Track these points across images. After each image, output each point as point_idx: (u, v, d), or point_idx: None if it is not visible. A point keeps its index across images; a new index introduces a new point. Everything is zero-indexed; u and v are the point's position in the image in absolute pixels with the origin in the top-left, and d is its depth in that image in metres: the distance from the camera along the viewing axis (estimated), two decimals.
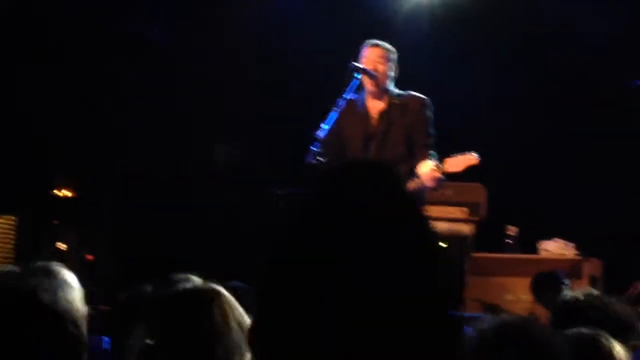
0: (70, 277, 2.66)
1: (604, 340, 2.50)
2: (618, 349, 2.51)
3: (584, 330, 2.58)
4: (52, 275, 2.53)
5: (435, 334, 1.37)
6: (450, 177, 6.53)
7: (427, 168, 6.33)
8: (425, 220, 1.44)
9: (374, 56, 6.62)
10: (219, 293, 2.58)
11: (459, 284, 8.16)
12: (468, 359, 2.21)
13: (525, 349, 2.24)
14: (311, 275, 1.35)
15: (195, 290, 2.61)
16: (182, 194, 9.37)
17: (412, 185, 6.40)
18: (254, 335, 1.41)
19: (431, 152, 6.55)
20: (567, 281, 6.48)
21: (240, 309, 2.55)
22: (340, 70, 6.61)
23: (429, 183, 6.33)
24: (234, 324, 2.48)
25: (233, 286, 3.50)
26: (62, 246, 8.78)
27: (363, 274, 1.34)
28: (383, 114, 6.68)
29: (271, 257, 1.41)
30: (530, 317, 2.66)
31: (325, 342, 1.33)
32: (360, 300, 1.33)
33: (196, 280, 2.93)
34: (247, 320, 2.51)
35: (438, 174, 6.29)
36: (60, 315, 1.90)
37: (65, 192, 9.22)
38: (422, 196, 6.63)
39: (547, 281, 6.44)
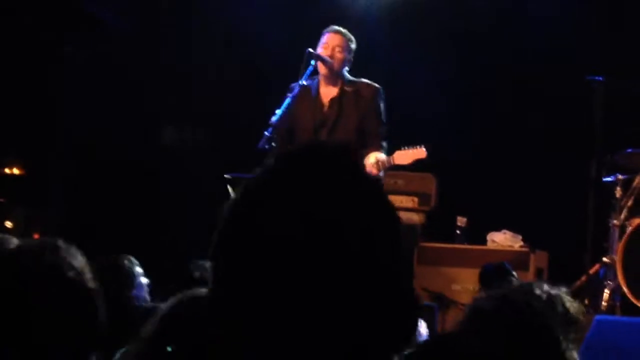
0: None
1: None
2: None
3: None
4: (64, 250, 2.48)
5: (392, 313, 1.37)
6: (399, 167, 6.58)
7: (368, 162, 6.40)
8: (388, 200, 1.43)
9: (334, 43, 6.63)
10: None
11: (407, 272, 8.20)
12: (464, 330, 2.22)
13: (521, 319, 2.25)
14: (262, 258, 1.33)
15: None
16: (131, 175, 9.31)
17: None
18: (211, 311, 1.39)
19: (383, 143, 6.58)
20: (514, 273, 6.53)
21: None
22: (298, 56, 6.61)
23: (374, 170, 6.40)
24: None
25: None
26: (8, 224, 8.70)
27: (319, 257, 1.32)
28: (334, 100, 6.69)
29: (221, 237, 1.39)
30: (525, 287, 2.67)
31: (275, 329, 1.32)
32: (314, 282, 1.32)
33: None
34: None
35: (375, 171, 6.36)
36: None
37: (13, 170, 9.12)
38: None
39: (495, 273, 6.49)
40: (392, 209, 1.42)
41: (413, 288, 1.45)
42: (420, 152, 6.42)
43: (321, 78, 6.73)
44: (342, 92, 6.69)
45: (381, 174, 6.44)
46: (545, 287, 2.77)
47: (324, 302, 1.31)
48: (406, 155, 6.42)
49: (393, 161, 6.39)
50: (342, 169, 1.40)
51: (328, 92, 6.73)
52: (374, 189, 1.42)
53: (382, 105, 6.72)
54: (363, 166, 1.44)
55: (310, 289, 1.31)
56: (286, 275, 1.31)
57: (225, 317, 1.34)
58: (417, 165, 6.88)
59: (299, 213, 1.33)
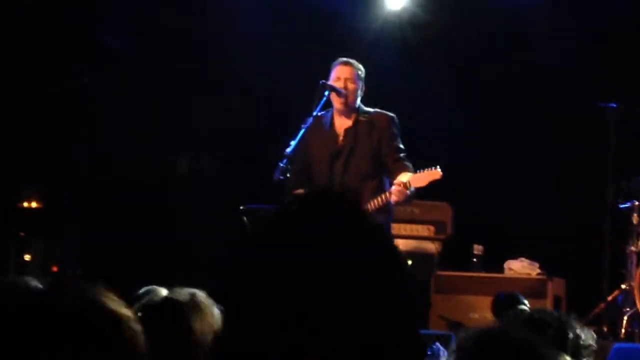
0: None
1: None
2: None
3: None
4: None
5: (398, 355, 1.39)
6: (417, 193, 6.58)
7: (394, 185, 6.39)
8: (389, 245, 1.46)
9: (345, 74, 6.66)
10: (197, 300, 2.58)
11: (424, 302, 8.20)
12: None
13: (506, 356, 2.25)
14: (271, 295, 1.37)
15: (173, 299, 2.61)
16: (148, 207, 9.35)
17: (378, 200, 6.44)
18: (217, 348, 1.43)
19: (407, 163, 6.56)
20: (526, 302, 6.52)
21: (217, 316, 2.55)
22: (310, 88, 6.65)
23: (395, 199, 6.39)
24: (213, 330, 2.49)
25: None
26: (27, 257, 8.74)
27: (323, 296, 1.36)
28: (349, 131, 6.71)
29: (233, 272, 1.43)
30: (511, 325, 2.68)
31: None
32: (320, 319, 1.35)
33: (162, 291, 2.93)
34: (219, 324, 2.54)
35: (404, 190, 6.34)
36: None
37: (31, 204, 9.18)
38: (390, 211, 6.68)
39: (506, 302, 6.48)
40: (397, 254, 1.46)
41: (418, 330, 1.48)
42: (435, 174, 6.41)
43: (335, 110, 6.76)
44: (356, 123, 6.72)
45: (409, 192, 6.40)
46: (556, 314, 2.79)
47: (328, 346, 1.34)
48: (422, 178, 6.41)
49: (410, 185, 6.38)
50: (348, 215, 1.43)
51: (342, 123, 6.76)
52: (378, 235, 1.45)
53: (397, 132, 6.73)
54: (368, 213, 1.49)
55: (315, 331, 1.35)
56: (291, 316, 1.35)
57: (236, 353, 1.39)
58: (433, 193, 6.89)
59: (305, 259, 1.37)
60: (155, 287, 3.21)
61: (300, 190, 6.15)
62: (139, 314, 2.68)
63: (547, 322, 2.73)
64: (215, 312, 2.58)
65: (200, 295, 2.67)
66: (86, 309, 1.66)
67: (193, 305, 2.59)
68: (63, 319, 1.63)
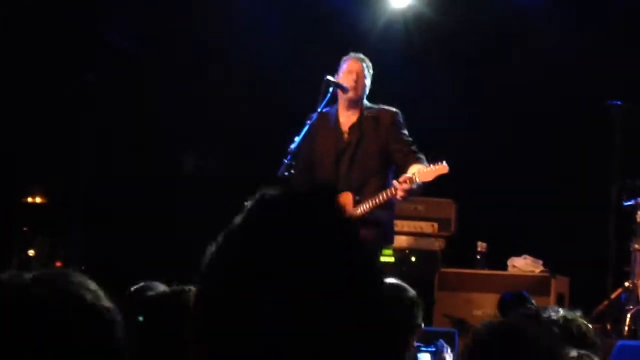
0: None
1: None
2: None
3: (574, 352, 2.59)
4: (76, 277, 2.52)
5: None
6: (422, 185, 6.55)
7: (397, 181, 6.37)
8: (363, 252, 1.42)
9: (357, 68, 6.66)
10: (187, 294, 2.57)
11: (427, 299, 8.20)
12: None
13: (520, 350, 2.25)
14: (245, 298, 1.35)
15: (175, 293, 2.60)
16: (153, 203, 9.36)
17: (382, 196, 6.43)
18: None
19: (420, 156, 6.53)
20: (533, 302, 6.52)
21: None
22: (315, 85, 6.65)
23: (400, 194, 6.36)
24: None
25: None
26: (31, 253, 8.75)
27: (293, 304, 1.33)
28: (354, 127, 6.71)
29: (207, 275, 1.43)
30: (524, 320, 2.68)
31: None
32: (292, 323, 1.33)
33: (160, 287, 2.93)
34: None
35: (407, 185, 6.31)
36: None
37: (36, 199, 9.19)
38: (393, 206, 6.67)
39: (513, 301, 6.47)
40: (367, 255, 1.43)
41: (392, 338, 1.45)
42: (442, 169, 6.39)
43: (340, 105, 6.76)
44: (361, 119, 6.72)
45: (414, 185, 6.37)
46: (562, 311, 2.80)
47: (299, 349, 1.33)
48: (428, 173, 6.38)
49: (415, 179, 6.35)
50: (318, 215, 1.41)
51: (348, 119, 6.75)
52: (349, 235, 1.42)
53: (402, 126, 6.72)
54: (342, 212, 1.45)
55: (284, 335, 1.33)
56: (256, 321, 1.34)
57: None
58: (437, 190, 6.88)
59: (273, 259, 1.35)
60: (151, 282, 3.20)
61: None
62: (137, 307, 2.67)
63: (553, 319, 2.73)
64: None
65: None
66: (64, 302, 1.68)
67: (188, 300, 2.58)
68: (42, 312, 1.65)
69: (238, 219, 1.43)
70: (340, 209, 1.42)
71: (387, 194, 6.43)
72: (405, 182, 6.31)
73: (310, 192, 1.43)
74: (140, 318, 2.52)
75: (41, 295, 1.70)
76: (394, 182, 6.39)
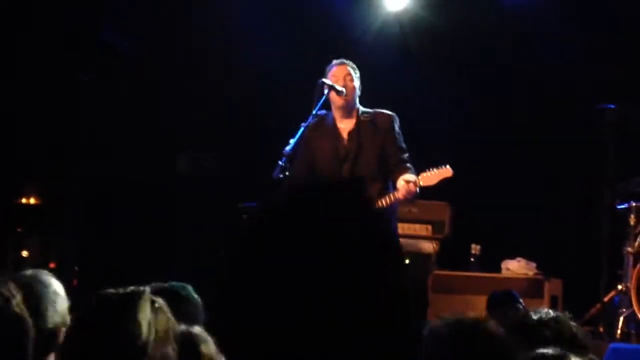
0: (59, 287, 2.68)
1: None
2: None
3: (551, 350, 2.60)
4: (42, 285, 2.54)
5: (392, 346, 1.39)
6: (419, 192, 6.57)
7: (402, 182, 6.39)
8: (389, 239, 1.45)
9: (343, 73, 6.67)
10: (140, 296, 2.53)
11: (421, 301, 8.21)
12: (422, 357, 2.24)
13: (479, 346, 2.26)
14: (269, 284, 1.37)
15: (116, 296, 2.55)
16: (147, 203, 9.36)
17: (386, 200, 6.45)
18: (220, 334, 1.43)
19: (409, 165, 6.57)
20: (521, 301, 6.54)
21: (167, 315, 2.49)
22: (310, 88, 6.66)
23: (403, 196, 6.38)
24: (157, 329, 2.43)
25: (166, 288, 3.47)
26: (25, 253, 8.74)
27: (322, 285, 1.36)
28: (352, 134, 6.71)
29: (232, 260, 1.43)
30: (483, 317, 2.69)
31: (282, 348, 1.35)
32: (315, 313, 1.35)
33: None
34: (173, 325, 2.45)
35: (413, 189, 6.35)
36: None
37: (30, 200, 9.19)
38: (395, 210, 6.69)
39: (501, 300, 6.49)
40: (396, 245, 1.46)
41: (416, 322, 1.47)
42: (446, 172, 6.41)
43: (335, 111, 6.75)
44: (358, 124, 6.72)
45: (415, 192, 6.41)
46: (552, 313, 2.81)
47: (324, 333, 1.34)
48: (432, 177, 6.41)
49: (419, 183, 6.38)
50: (349, 205, 1.43)
51: (345, 125, 6.75)
52: (378, 226, 1.45)
53: (399, 131, 6.74)
54: (372, 203, 1.48)
55: (311, 319, 1.35)
56: (287, 304, 1.35)
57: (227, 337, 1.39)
58: (431, 192, 6.89)
59: (303, 247, 1.37)
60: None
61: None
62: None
63: (544, 320, 2.75)
64: (164, 311, 2.51)
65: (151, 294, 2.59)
66: None
67: (136, 302, 2.53)
68: None
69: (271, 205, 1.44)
70: (370, 200, 1.45)
71: (391, 198, 6.45)
72: (408, 183, 6.34)
73: (342, 182, 1.46)
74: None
75: None
76: (401, 180, 6.40)
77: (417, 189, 6.38)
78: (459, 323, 2.29)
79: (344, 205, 1.43)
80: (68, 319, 2.73)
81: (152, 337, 2.38)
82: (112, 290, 2.55)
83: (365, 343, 1.37)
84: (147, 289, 2.52)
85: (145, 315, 2.42)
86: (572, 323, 2.83)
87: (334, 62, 6.76)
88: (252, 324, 1.37)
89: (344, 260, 1.37)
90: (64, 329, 2.58)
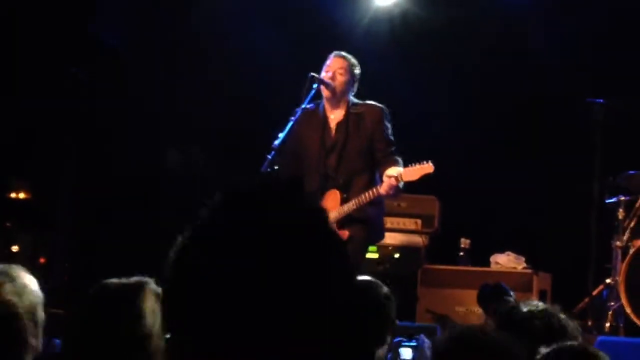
0: (30, 281, 2.68)
1: (600, 354, 2.49)
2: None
3: (573, 343, 2.60)
4: (11, 279, 2.54)
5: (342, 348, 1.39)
6: (405, 187, 6.60)
7: (385, 177, 6.41)
8: (333, 241, 1.43)
9: (336, 66, 6.69)
10: (144, 286, 2.52)
11: (410, 295, 8.24)
12: None
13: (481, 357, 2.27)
14: (207, 287, 1.37)
15: (121, 285, 2.57)
16: (137, 198, 9.36)
17: (369, 194, 6.47)
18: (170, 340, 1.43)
19: (397, 158, 6.58)
20: (512, 293, 6.56)
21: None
22: (299, 82, 6.67)
23: (385, 191, 6.40)
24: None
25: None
26: (15, 249, 8.73)
27: (261, 285, 1.35)
28: (340, 125, 6.73)
29: (174, 262, 1.43)
30: (485, 326, 2.70)
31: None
32: (259, 315, 1.35)
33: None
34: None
35: (394, 183, 6.36)
36: (12, 317, 1.86)
37: (19, 195, 9.17)
38: (381, 203, 6.71)
39: (492, 293, 6.52)
40: (337, 239, 1.45)
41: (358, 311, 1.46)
42: (427, 168, 6.44)
43: (325, 102, 6.78)
44: (347, 116, 6.74)
45: (400, 184, 6.43)
46: (542, 305, 2.83)
47: (268, 335, 1.34)
48: (414, 172, 6.44)
49: (401, 178, 6.40)
50: (285, 202, 1.43)
51: (334, 117, 6.77)
52: (318, 222, 1.44)
53: (388, 124, 6.75)
54: (312, 200, 1.47)
55: (252, 320, 1.34)
56: (224, 305, 1.35)
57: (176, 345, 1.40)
58: (420, 187, 6.91)
59: (239, 247, 1.37)
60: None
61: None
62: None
63: (534, 312, 2.76)
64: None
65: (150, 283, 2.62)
66: None
67: (140, 289, 2.55)
68: None
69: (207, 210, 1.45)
70: (309, 197, 1.45)
71: (374, 192, 6.47)
72: (390, 179, 6.35)
73: (278, 181, 1.46)
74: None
75: None
76: (384, 176, 6.42)
77: (400, 184, 6.39)
78: (462, 336, 2.30)
79: (280, 202, 1.42)
80: (38, 313, 2.71)
81: (156, 326, 2.39)
82: (115, 280, 2.57)
83: (311, 343, 1.36)
84: (151, 280, 2.54)
85: (149, 304, 2.44)
86: (562, 315, 2.86)
87: (333, 53, 6.78)
88: (193, 327, 1.37)
89: (281, 258, 1.37)
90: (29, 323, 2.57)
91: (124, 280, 2.62)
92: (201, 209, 1.46)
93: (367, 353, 3.34)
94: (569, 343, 2.59)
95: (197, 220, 1.45)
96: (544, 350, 2.50)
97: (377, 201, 6.58)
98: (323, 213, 1.44)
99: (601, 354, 2.47)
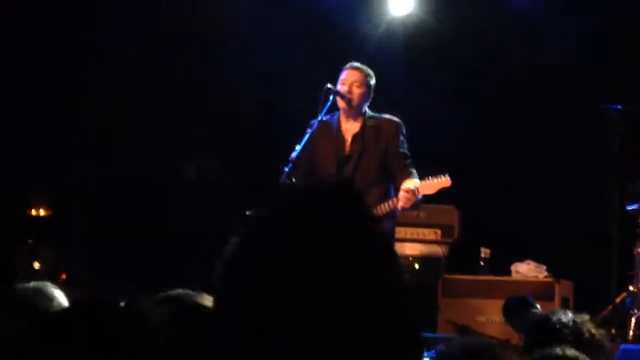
0: (63, 298, 2.67)
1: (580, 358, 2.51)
2: None
3: (565, 350, 2.60)
4: (50, 298, 2.53)
5: (392, 348, 1.39)
6: (423, 198, 6.59)
7: (402, 191, 6.40)
8: (386, 247, 1.44)
9: (352, 78, 6.68)
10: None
11: (431, 305, 8.21)
12: None
13: None
14: (266, 288, 1.37)
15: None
16: (156, 213, 9.36)
17: (385, 207, 6.46)
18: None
19: (412, 170, 6.58)
20: (537, 306, 6.53)
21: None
22: (315, 93, 6.67)
23: (402, 204, 6.39)
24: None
25: (173, 297, 3.42)
26: (37, 265, 8.75)
27: (317, 290, 1.36)
28: (356, 137, 6.72)
29: (232, 266, 1.43)
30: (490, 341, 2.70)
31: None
32: (312, 314, 1.35)
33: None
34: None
35: (411, 197, 6.36)
36: None
37: (40, 211, 9.20)
38: (395, 215, 6.69)
39: (518, 306, 6.49)
40: (390, 247, 1.45)
41: (414, 322, 1.46)
42: (444, 182, 6.43)
43: (341, 114, 6.77)
44: (363, 128, 6.73)
45: (419, 198, 6.43)
46: (570, 314, 2.81)
47: (321, 335, 1.34)
48: (431, 185, 6.43)
49: (418, 192, 6.40)
50: (343, 206, 1.43)
51: (349, 128, 6.77)
52: (372, 226, 1.45)
53: (403, 138, 6.75)
54: (365, 204, 1.47)
55: (311, 325, 1.35)
56: (285, 306, 1.35)
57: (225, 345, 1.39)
58: (439, 197, 6.90)
59: (303, 251, 1.37)
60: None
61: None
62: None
63: (564, 322, 2.75)
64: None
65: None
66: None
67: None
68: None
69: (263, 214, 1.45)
70: (364, 202, 1.45)
71: (389, 205, 6.46)
72: (407, 192, 6.35)
73: (334, 186, 1.46)
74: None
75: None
76: (401, 190, 6.42)
77: (418, 198, 6.40)
78: (469, 347, 2.29)
79: (343, 209, 1.42)
80: None
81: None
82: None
83: (366, 346, 1.36)
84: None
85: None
86: (590, 324, 2.84)
87: (349, 64, 6.77)
88: (251, 329, 1.37)
89: (342, 264, 1.37)
90: None
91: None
92: (255, 212, 1.45)
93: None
94: (554, 352, 2.58)
95: (253, 223, 1.44)
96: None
97: (392, 214, 6.57)
98: (381, 222, 1.46)
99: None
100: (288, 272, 1.36)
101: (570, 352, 2.60)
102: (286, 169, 6.40)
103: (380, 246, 1.43)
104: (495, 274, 8.60)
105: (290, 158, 6.45)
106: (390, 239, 1.48)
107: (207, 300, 2.83)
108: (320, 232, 1.39)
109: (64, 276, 8.71)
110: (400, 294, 1.41)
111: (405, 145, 6.72)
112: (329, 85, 6.62)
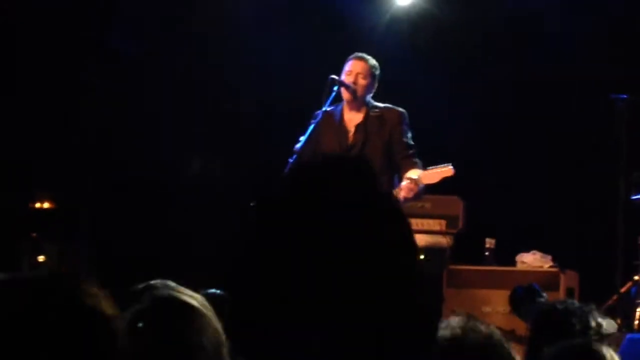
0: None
1: (603, 350, 2.48)
2: (616, 357, 2.51)
3: (579, 340, 2.59)
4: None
5: (407, 330, 1.38)
6: (427, 189, 6.59)
7: (405, 181, 6.40)
8: (399, 214, 1.44)
9: (357, 69, 6.68)
10: (191, 308, 2.38)
11: (436, 296, 8.20)
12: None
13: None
14: (281, 267, 1.36)
15: (164, 304, 2.42)
16: (161, 206, 9.36)
17: None
18: (232, 325, 1.43)
19: (416, 160, 6.57)
20: (544, 295, 6.52)
21: (215, 326, 2.35)
22: (319, 84, 6.66)
23: (403, 195, 6.38)
24: (207, 344, 2.29)
25: (210, 295, 3.41)
26: (41, 259, 8.76)
27: (331, 265, 1.35)
28: (359, 127, 6.72)
29: (242, 247, 1.42)
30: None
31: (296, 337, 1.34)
32: (329, 290, 1.34)
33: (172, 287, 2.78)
34: (222, 337, 2.30)
35: (414, 186, 6.35)
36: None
37: (44, 205, 9.20)
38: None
39: (524, 294, 6.48)
40: (406, 221, 1.45)
41: (429, 301, 1.46)
42: (447, 171, 6.42)
43: (345, 104, 6.77)
44: (366, 118, 6.73)
45: (421, 187, 6.42)
46: (577, 303, 2.81)
47: (336, 311, 1.34)
48: (433, 175, 6.43)
49: (420, 182, 6.39)
50: (359, 180, 1.42)
51: (353, 118, 6.77)
52: (388, 201, 1.44)
53: (407, 128, 6.74)
54: (378, 179, 1.47)
55: (325, 297, 1.34)
56: (302, 282, 1.35)
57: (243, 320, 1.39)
58: (443, 187, 6.89)
59: (315, 225, 1.37)
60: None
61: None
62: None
63: (571, 311, 2.74)
64: (212, 321, 2.38)
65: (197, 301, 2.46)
66: (66, 307, 1.65)
67: (187, 312, 2.39)
68: (41, 313, 1.62)
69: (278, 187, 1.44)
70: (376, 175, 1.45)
71: (393, 194, 6.45)
72: (410, 182, 6.34)
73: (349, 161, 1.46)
74: (140, 324, 2.36)
75: (40, 295, 1.66)
76: (404, 179, 6.41)
77: (420, 187, 6.38)
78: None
79: (352, 180, 1.42)
80: None
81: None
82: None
83: (379, 320, 1.36)
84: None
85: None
86: (597, 312, 2.84)
87: (353, 55, 6.77)
88: (266, 305, 1.36)
89: (354, 237, 1.36)
90: None
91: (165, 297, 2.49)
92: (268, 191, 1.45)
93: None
94: (574, 342, 2.57)
95: (264, 201, 1.43)
96: (547, 350, 2.48)
97: None
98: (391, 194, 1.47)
99: (605, 350, 2.46)
100: (300, 247, 1.36)
101: (596, 346, 2.57)
102: (290, 161, 6.40)
103: (392, 219, 1.42)
104: (500, 264, 8.59)
105: (294, 150, 6.45)
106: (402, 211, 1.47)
107: (185, 295, 2.73)
108: (328, 205, 1.38)
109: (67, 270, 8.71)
110: (416, 275, 1.40)
111: (409, 135, 6.72)
112: (333, 76, 6.61)
